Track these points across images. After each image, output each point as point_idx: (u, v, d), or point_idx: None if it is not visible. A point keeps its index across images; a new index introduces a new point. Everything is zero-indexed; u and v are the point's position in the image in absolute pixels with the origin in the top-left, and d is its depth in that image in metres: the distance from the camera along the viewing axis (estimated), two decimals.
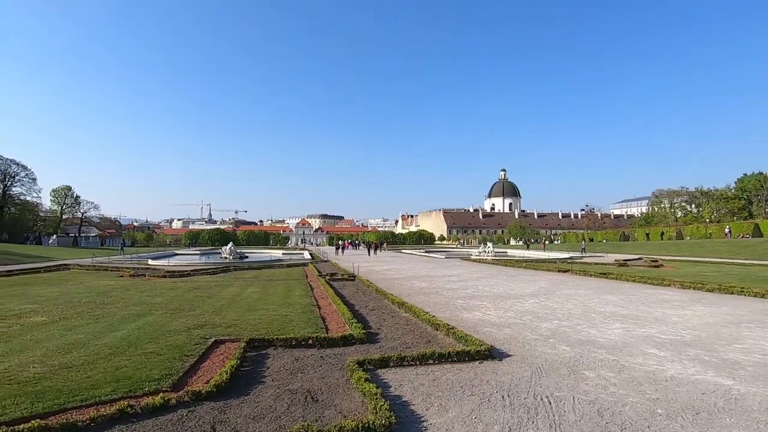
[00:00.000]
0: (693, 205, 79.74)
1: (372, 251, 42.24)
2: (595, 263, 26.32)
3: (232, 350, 6.12)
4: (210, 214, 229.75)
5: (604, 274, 17.84)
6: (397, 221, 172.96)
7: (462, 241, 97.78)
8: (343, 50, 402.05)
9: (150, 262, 28.28)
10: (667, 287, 14.02)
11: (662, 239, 56.41)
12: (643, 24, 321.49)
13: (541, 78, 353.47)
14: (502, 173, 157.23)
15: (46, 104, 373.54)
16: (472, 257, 34.62)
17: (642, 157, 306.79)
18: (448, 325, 7.56)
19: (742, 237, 45.10)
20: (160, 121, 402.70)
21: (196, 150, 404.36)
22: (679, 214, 79.75)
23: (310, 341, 6.65)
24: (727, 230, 47.90)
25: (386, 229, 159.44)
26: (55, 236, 57.91)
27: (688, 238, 54.24)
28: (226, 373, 4.76)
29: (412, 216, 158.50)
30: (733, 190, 74.26)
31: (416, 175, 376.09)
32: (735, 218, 62.87)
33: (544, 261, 27.83)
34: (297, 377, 5.07)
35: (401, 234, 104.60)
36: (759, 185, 70.11)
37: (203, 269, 21.53)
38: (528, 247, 59.26)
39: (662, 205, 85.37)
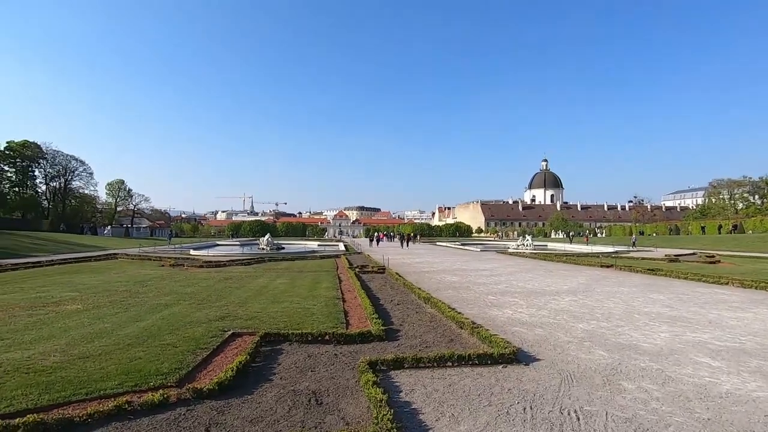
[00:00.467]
0: (756, 196, 73.32)
1: (405, 243, 41.89)
2: (643, 258, 24.62)
3: (247, 344, 5.99)
4: (252, 206, 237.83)
5: (652, 270, 16.56)
6: (433, 213, 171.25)
7: (500, 234, 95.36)
8: (377, 45, 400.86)
9: (192, 252, 29.35)
10: (725, 286, 12.76)
11: (720, 233, 52.31)
12: (700, 8, 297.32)
13: (586, 65, 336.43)
14: (544, 164, 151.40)
15: (101, 105, 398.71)
16: (510, 250, 33.51)
17: (697, 145, 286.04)
18: (473, 323, 7.12)
19: None
20: (206, 119, 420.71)
21: (239, 146, 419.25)
22: (740, 205, 73.58)
23: (327, 337, 6.43)
24: None
25: (423, 221, 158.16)
26: (109, 227, 61.67)
27: (750, 231, 49.92)
28: (232, 371, 4.60)
29: (449, 208, 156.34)
30: None
31: (454, 167, 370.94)
32: None
33: (586, 255, 26.45)
34: (306, 376, 4.84)
35: (438, 226, 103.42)
36: None
37: (239, 260, 22.03)
38: (571, 241, 56.71)
39: (720, 196, 79.05)
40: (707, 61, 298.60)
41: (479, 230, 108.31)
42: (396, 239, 57.42)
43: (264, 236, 37.17)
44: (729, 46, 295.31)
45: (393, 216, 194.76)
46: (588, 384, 4.58)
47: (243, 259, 22.14)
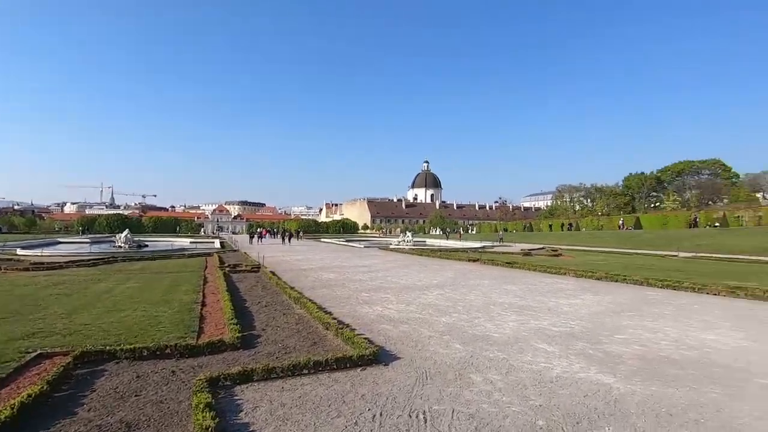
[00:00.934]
0: (589, 200, 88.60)
1: (287, 240, 40.51)
2: (504, 252, 27.60)
3: (54, 368, 4.79)
4: (112, 198, 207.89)
5: (510, 263, 18.51)
6: (321, 209, 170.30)
7: (385, 231, 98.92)
8: (274, 39, 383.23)
9: (18, 251, 23.99)
10: (563, 276, 14.76)
11: (562, 230, 61.83)
12: (555, 30, 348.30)
13: (461, 77, 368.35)
14: (425, 165, 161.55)
15: None
16: (391, 246, 34.61)
17: (549, 155, 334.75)
18: (339, 324, 6.86)
19: (626, 229, 50.91)
20: (47, 90, 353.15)
21: (94, 124, 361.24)
22: (577, 207, 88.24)
23: (167, 350, 5.50)
24: (620, 222, 53.76)
25: (310, 217, 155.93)
26: None
27: (584, 229, 59.99)
28: (11, 409, 3.52)
29: (336, 204, 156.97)
30: (620, 187, 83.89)
31: (343, 164, 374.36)
32: (621, 212, 70.96)
33: (457, 250, 28.59)
34: (126, 404, 3.97)
35: (324, 222, 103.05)
36: (641, 183, 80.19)
37: (83, 260, 18.57)
38: (447, 237, 61.28)
39: (564, 199, 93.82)
40: (562, 80, 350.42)
41: (365, 227, 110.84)
42: (279, 236, 55.30)
43: (122, 232, 32.31)
44: (582, 66, 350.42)
45: (279, 212, 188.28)
46: (441, 380, 4.61)
47: (89, 260, 18.75)
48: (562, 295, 10.71)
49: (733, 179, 74.35)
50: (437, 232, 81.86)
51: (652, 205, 78.04)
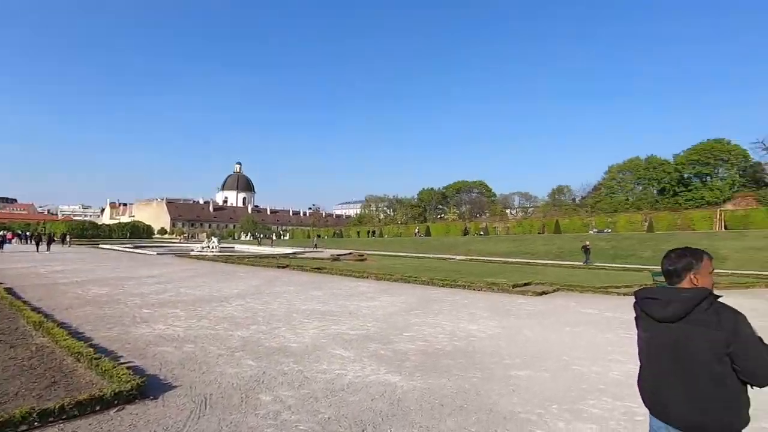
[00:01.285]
0: (391, 210, 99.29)
1: (46, 246, 31.87)
2: (314, 258, 27.98)
3: None
4: None
5: (319, 268, 18.74)
6: (104, 209, 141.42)
7: (188, 236, 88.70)
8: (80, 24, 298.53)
9: None
10: (366, 279, 15.71)
11: (369, 237, 67.32)
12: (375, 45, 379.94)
13: (277, 85, 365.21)
14: (238, 166, 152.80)
15: None
16: (192, 253, 31.04)
17: (357, 167, 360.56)
18: (97, 352, 5.41)
19: (419, 236, 58.89)
20: None
21: None
22: (382, 216, 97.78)
23: None
24: (416, 230, 61.74)
25: (87, 218, 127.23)
26: None
27: (386, 236, 66.67)
28: None
29: (125, 204, 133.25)
30: (416, 200, 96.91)
31: (137, 157, 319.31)
32: (416, 221, 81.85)
33: (267, 256, 27.60)
34: None
35: (107, 225, 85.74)
36: (431, 197, 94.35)
37: None
38: (259, 243, 58.98)
39: (371, 208, 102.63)
40: (376, 95, 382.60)
41: (163, 231, 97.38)
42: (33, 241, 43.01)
43: None
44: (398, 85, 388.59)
45: (39, 210, 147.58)
46: (223, 407, 4.00)
47: None
48: (363, 297, 11.25)
49: (492, 198, 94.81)
50: (248, 238, 78.18)
51: (439, 216, 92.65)
